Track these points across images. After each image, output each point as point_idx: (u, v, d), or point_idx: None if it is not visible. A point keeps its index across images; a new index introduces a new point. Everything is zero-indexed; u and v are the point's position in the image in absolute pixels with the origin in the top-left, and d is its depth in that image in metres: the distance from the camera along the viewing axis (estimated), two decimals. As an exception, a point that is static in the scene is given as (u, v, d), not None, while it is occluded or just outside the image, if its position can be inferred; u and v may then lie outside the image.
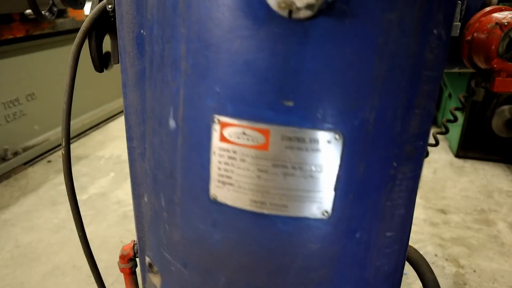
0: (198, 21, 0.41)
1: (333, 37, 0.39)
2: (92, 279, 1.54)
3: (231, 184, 0.46)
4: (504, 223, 1.89)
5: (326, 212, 0.46)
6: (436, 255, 1.68)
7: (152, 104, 0.49)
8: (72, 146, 2.70)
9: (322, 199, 0.45)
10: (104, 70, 0.63)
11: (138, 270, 0.78)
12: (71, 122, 0.60)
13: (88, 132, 3.08)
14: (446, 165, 2.46)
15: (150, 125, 0.51)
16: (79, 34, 0.56)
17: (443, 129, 1.57)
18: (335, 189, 0.45)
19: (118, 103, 3.40)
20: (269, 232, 0.48)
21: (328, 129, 0.42)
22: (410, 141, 0.45)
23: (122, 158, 2.61)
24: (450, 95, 2.67)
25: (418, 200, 2.05)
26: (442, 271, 1.59)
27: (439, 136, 1.60)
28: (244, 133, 0.43)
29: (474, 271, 1.59)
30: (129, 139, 0.57)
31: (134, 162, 0.58)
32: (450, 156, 2.57)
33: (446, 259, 1.66)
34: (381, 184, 0.46)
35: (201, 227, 0.50)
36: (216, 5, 0.39)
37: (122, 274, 0.85)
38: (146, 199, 0.56)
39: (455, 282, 1.54)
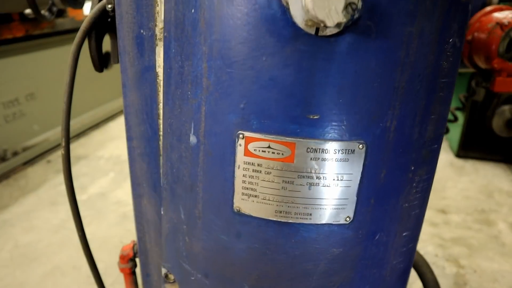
0: (221, 39, 0.41)
1: (357, 52, 0.40)
2: (92, 279, 1.54)
3: (255, 196, 0.47)
4: (505, 223, 1.89)
5: (349, 217, 0.47)
6: (436, 255, 1.68)
7: (170, 121, 0.49)
8: (71, 146, 2.70)
9: (345, 206, 0.47)
10: (104, 70, 0.63)
11: (137, 270, 0.78)
12: (71, 122, 0.60)
13: (87, 132, 3.08)
14: (446, 165, 2.46)
15: (167, 140, 0.51)
16: (78, 34, 0.56)
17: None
18: (357, 196, 0.46)
19: (117, 103, 3.40)
20: (293, 240, 0.49)
21: (352, 140, 0.43)
22: (426, 145, 0.47)
23: (121, 158, 2.62)
24: (450, 95, 2.67)
25: (418, 200, 2.05)
26: (443, 271, 1.59)
27: (439, 136, 1.59)
28: (269, 147, 0.44)
29: (475, 271, 1.59)
30: (129, 139, 0.57)
31: (134, 162, 0.58)
32: (451, 156, 2.57)
33: (447, 259, 1.66)
34: (400, 188, 0.48)
35: (224, 238, 0.51)
36: (240, 24, 0.40)
37: (122, 274, 0.85)
38: (162, 212, 0.58)
39: (455, 282, 1.54)
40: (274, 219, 0.48)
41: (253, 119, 0.43)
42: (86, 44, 0.58)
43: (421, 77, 0.42)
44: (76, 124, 2.92)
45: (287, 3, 0.38)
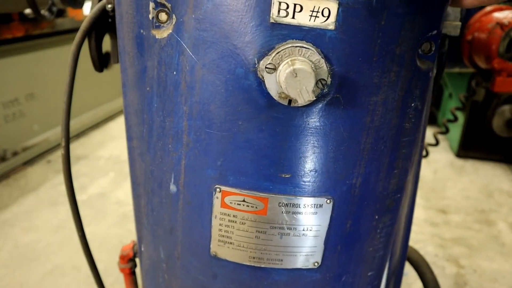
0: (201, 102, 0.44)
1: (327, 120, 0.44)
2: (91, 279, 1.54)
3: (231, 243, 0.51)
4: (505, 223, 1.89)
5: (317, 262, 0.52)
6: (436, 255, 1.68)
7: (151, 168, 0.53)
8: (71, 146, 2.70)
9: (313, 253, 0.52)
10: (104, 69, 0.63)
11: (137, 270, 0.78)
12: (71, 122, 0.60)
13: (87, 132, 3.08)
14: (446, 165, 2.46)
15: (149, 185, 0.55)
16: (78, 34, 0.56)
17: (444, 129, 1.57)
18: (325, 244, 0.51)
19: (117, 103, 3.40)
20: (266, 282, 0.53)
21: (320, 196, 0.48)
22: (390, 196, 0.52)
23: (121, 158, 2.61)
24: (450, 95, 2.67)
25: (418, 200, 2.05)
26: (443, 271, 1.59)
27: (439, 136, 1.60)
28: (244, 200, 0.48)
29: (475, 271, 1.59)
30: (129, 139, 0.57)
31: (134, 162, 0.58)
32: (451, 156, 2.57)
33: (447, 259, 1.66)
34: (365, 235, 0.53)
35: (201, 278, 0.55)
36: (219, 91, 0.43)
37: (121, 274, 0.85)
38: (143, 248, 0.61)
39: (455, 282, 1.54)
40: (248, 264, 0.52)
41: (230, 175, 0.47)
42: (86, 44, 0.58)
43: (385, 138, 0.46)
44: (76, 124, 2.91)
45: (263, 77, 0.41)
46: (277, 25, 0.40)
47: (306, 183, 0.47)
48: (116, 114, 3.43)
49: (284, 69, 0.38)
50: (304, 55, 0.39)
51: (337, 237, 0.51)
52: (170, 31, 0.44)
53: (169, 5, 0.43)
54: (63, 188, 2.17)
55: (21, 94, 2.46)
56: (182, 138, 0.47)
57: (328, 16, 0.39)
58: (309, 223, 0.49)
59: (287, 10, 0.39)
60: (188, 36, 0.43)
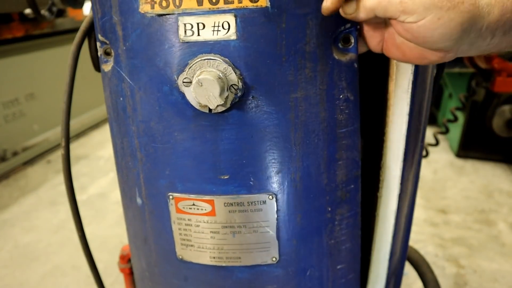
0: (143, 120, 0.50)
1: (250, 121, 0.47)
2: (91, 279, 1.54)
3: (192, 246, 0.55)
4: (505, 223, 1.89)
5: (275, 258, 0.54)
6: (436, 255, 1.68)
7: (122, 186, 0.58)
8: (71, 146, 2.70)
9: (269, 248, 0.54)
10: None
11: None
12: (71, 122, 0.60)
13: (87, 132, 3.08)
14: (446, 165, 2.46)
15: (124, 201, 0.60)
16: (78, 34, 0.56)
17: (444, 129, 1.57)
18: (278, 238, 0.53)
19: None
20: (230, 281, 0.56)
21: (261, 192, 0.50)
22: (340, 188, 0.53)
23: (121, 158, 2.61)
24: (450, 95, 2.67)
25: (418, 200, 2.05)
26: (443, 271, 1.59)
27: (439, 136, 1.59)
28: (194, 204, 0.52)
29: (475, 271, 1.59)
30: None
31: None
32: (451, 156, 2.57)
33: (447, 259, 1.66)
34: (320, 227, 0.54)
35: (176, 282, 0.59)
36: (154, 108, 0.48)
37: (121, 274, 0.85)
38: (132, 260, 0.67)
39: (455, 282, 1.54)
40: (210, 264, 0.55)
41: (178, 182, 0.51)
42: (86, 44, 0.58)
43: (317, 131, 0.48)
44: (76, 124, 2.92)
45: (183, 91, 0.46)
46: (187, 44, 0.44)
47: (245, 182, 0.50)
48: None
49: (194, 81, 0.42)
50: (213, 66, 0.44)
51: (289, 231, 0.53)
52: (112, 63, 0.50)
53: (108, 42, 0.49)
54: (63, 188, 2.17)
55: (21, 94, 2.46)
56: (137, 154, 0.52)
57: (229, 28, 0.43)
58: (257, 219, 0.52)
59: (192, 29, 0.43)
60: (124, 65, 0.48)
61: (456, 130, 2.52)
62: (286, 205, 0.51)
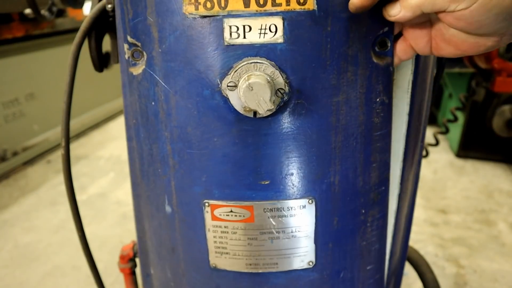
0: (178, 126, 0.49)
1: (293, 125, 0.47)
2: (91, 279, 1.54)
3: (227, 253, 0.54)
4: (505, 223, 1.89)
5: (311, 262, 0.54)
6: (436, 255, 1.68)
7: (147, 194, 0.57)
8: (71, 146, 2.70)
9: (306, 253, 0.54)
10: (104, 69, 0.63)
11: (137, 270, 0.78)
12: (71, 122, 0.60)
13: (87, 132, 3.08)
14: (446, 165, 2.46)
15: (147, 210, 0.59)
16: (78, 34, 0.56)
17: (444, 129, 1.57)
18: (315, 242, 0.53)
19: (117, 103, 3.40)
20: (266, 287, 0.56)
21: (301, 197, 0.51)
22: (373, 190, 0.53)
23: (121, 158, 2.62)
24: (450, 95, 2.67)
25: (418, 200, 2.05)
26: (443, 271, 1.59)
27: (439, 136, 1.59)
28: (231, 211, 0.51)
29: (475, 271, 1.59)
30: (129, 139, 0.57)
31: (134, 162, 0.58)
32: (451, 156, 2.57)
33: (447, 260, 1.66)
34: (354, 229, 0.54)
35: None
36: (192, 113, 0.47)
37: (121, 274, 0.85)
38: (152, 271, 0.65)
39: (455, 282, 1.54)
40: (246, 271, 0.55)
41: (215, 189, 0.51)
42: (86, 44, 0.58)
43: (355, 135, 0.49)
44: (76, 124, 2.92)
45: (227, 95, 0.45)
46: (232, 47, 0.44)
47: (286, 187, 0.50)
48: (116, 114, 3.44)
49: (242, 85, 0.42)
50: (260, 69, 0.43)
51: (326, 235, 0.53)
52: (144, 66, 0.48)
53: (139, 44, 0.48)
54: (63, 188, 2.18)
55: (21, 94, 2.46)
56: (168, 161, 0.52)
57: (276, 31, 0.43)
58: (296, 224, 0.52)
59: (238, 32, 0.43)
60: (159, 69, 0.47)
61: (456, 130, 2.52)
62: (324, 209, 0.52)
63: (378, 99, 0.48)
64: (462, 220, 1.92)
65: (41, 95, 2.60)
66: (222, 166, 0.49)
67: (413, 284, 1.48)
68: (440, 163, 2.48)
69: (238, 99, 0.44)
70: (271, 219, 0.51)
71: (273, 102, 0.43)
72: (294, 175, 0.49)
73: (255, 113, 0.45)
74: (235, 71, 0.43)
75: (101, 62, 0.62)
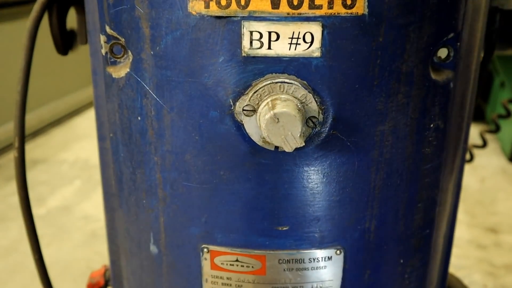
0: (174, 151, 0.47)
1: (324, 161, 0.46)
2: (51, 314, 1.54)
3: None
4: None
5: None
6: (485, 286, 1.68)
7: (126, 226, 0.56)
8: (27, 147, 2.70)
9: None
10: (69, 52, 0.64)
11: (109, 303, 0.78)
12: (26, 117, 0.60)
13: (47, 129, 3.09)
14: (497, 172, 2.46)
15: (125, 245, 0.57)
16: (36, 7, 0.56)
17: (493, 127, 1.57)
18: None
19: (85, 94, 3.40)
20: None
21: (327, 247, 0.50)
22: (416, 235, 0.53)
23: (90, 163, 2.62)
24: (502, 84, 2.67)
25: (461, 216, 2.05)
26: (492, 305, 1.59)
27: (488, 136, 1.59)
28: (237, 260, 0.51)
29: (533, 306, 1.59)
30: (101, 138, 0.57)
31: (107, 167, 0.58)
32: (502, 161, 2.57)
33: (498, 291, 1.66)
34: (389, 284, 0.54)
35: None
36: (193, 138, 0.46)
37: (89, 308, 0.85)
38: None
39: (508, 319, 1.54)
40: None
41: (217, 232, 0.50)
42: (45, 19, 0.59)
43: (400, 171, 0.48)
44: (32, 119, 2.92)
45: (241, 121, 0.43)
46: (251, 59, 0.42)
47: (309, 235, 0.49)
48: (83, 108, 3.44)
49: (264, 113, 0.40)
50: (288, 92, 0.41)
51: None
52: (128, 69, 0.46)
53: (122, 39, 0.46)
54: (15, 200, 2.18)
55: (-36, 82, 2.46)
56: (157, 192, 0.51)
57: (312, 42, 0.41)
58: (319, 279, 0.52)
59: (261, 40, 0.41)
60: (149, 76, 0.45)
61: (509, 128, 2.52)
62: (354, 260, 0.51)
63: (432, 125, 0.48)
64: (516, 241, 1.92)
65: (-12, 83, 2.60)
66: (229, 205, 0.48)
67: (455, 322, 1.48)
68: (489, 170, 2.48)
69: (256, 128, 0.43)
70: (287, 272, 0.51)
71: (303, 135, 0.41)
72: (320, 220, 0.49)
73: (277, 146, 0.43)
74: (255, 92, 0.42)
75: (65, 42, 0.62)
